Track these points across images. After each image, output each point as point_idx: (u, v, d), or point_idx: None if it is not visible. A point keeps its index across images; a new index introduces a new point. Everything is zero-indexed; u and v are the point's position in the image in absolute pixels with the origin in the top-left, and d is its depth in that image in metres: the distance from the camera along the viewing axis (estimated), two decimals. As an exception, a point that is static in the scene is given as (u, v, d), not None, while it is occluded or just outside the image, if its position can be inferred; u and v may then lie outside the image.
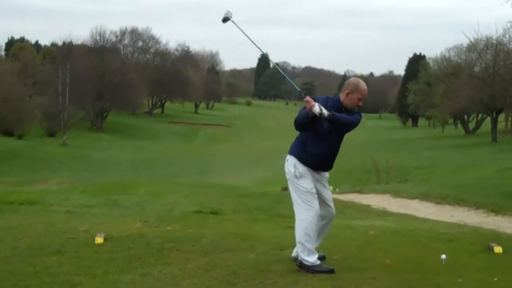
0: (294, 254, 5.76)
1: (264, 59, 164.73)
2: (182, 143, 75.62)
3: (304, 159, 5.63)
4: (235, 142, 79.11)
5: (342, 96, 5.66)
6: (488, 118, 64.30)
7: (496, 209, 12.15)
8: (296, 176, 5.63)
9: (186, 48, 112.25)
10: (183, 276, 5.29)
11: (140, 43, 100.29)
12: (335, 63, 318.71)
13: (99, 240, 6.54)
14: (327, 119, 5.38)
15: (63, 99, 67.17)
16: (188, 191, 17.07)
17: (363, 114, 5.83)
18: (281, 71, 6.88)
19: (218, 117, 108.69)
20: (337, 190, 18.46)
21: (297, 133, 5.81)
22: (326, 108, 5.36)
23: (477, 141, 58.57)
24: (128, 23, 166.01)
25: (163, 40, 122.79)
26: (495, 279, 5.38)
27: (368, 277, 5.35)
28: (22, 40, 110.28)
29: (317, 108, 5.31)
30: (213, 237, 6.93)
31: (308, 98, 5.39)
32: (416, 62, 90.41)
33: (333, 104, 5.57)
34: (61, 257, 5.94)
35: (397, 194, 15.79)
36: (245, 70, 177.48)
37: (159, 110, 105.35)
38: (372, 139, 69.50)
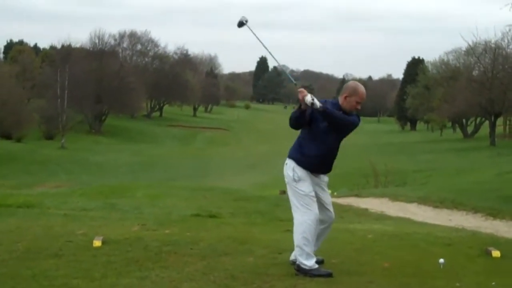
0: (292, 257, 5.75)
1: (262, 62, 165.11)
2: (180, 147, 75.57)
3: (302, 161, 5.63)
4: (233, 145, 79.09)
5: (340, 100, 5.66)
6: (487, 122, 64.34)
7: (494, 213, 12.13)
8: (294, 180, 5.62)
9: (184, 52, 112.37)
10: (181, 280, 5.28)
11: (138, 47, 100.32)
12: (333, 66, 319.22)
13: (97, 243, 6.53)
14: (320, 112, 5.38)
15: (62, 102, 67.11)
16: (186, 194, 17.03)
17: (361, 118, 5.83)
18: (288, 74, 6.82)
19: (217, 120, 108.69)
20: (335, 193, 18.43)
21: (296, 136, 5.81)
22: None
23: (476, 145, 58.61)
24: (127, 27, 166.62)
25: (162, 44, 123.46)
26: (493, 283, 5.38)
27: (366, 281, 5.35)
28: (21, 43, 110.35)
29: (309, 97, 5.32)
30: (211, 241, 6.93)
31: (302, 88, 5.39)
32: (415, 66, 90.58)
33: (332, 108, 5.57)
34: (59, 260, 5.93)
35: (395, 197, 15.78)
36: (244, 74, 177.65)
37: (158, 113, 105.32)
38: (371, 142, 69.52)
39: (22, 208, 10.51)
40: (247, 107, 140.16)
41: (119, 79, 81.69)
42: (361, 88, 5.68)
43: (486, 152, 49.50)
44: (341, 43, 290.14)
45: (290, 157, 5.73)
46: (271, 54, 5.91)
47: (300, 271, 5.48)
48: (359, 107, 5.66)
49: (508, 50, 60.01)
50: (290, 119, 5.58)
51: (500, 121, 65.25)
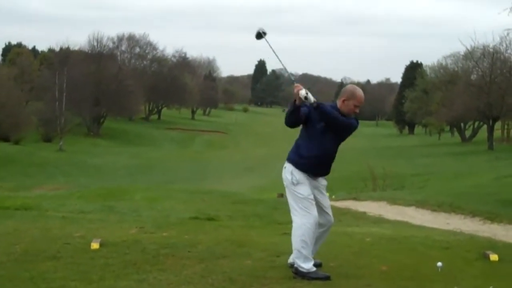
0: (290, 260, 5.75)
1: (261, 65, 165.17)
2: (178, 149, 75.58)
3: (299, 163, 5.63)
4: (231, 148, 79.11)
5: (339, 103, 5.66)
6: (485, 126, 64.45)
7: (492, 217, 12.16)
8: (293, 183, 5.62)
9: (183, 55, 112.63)
10: (179, 283, 5.28)
11: (137, 49, 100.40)
12: (332, 70, 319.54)
13: (95, 245, 6.53)
14: (313, 106, 5.39)
15: (60, 105, 67.13)
16: (184, 197, 17.06)
17: (360, 121, 5.83)
18: (290, 73, 6.80)
19: (215, 123, 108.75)
20: (333, 197, 18.43)
21: (294, 139, 5.82)
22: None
23: (474, 149, 58.67)
24: (125, 29, 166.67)
25: (160, 46, 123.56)
26: (491, 287, 5.37)
27: (364, 284, 5.35)
28: (19, 45, 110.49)
29: (303, 91, 5.34)
30: (209, 244, 6.92)
31: (298, 84, 5.42)
32: (413, 70, 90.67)
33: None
34: (56, 263, 5.92)
35: (393, 201, 15.79)
36: (242, 77, 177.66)
37: (156, 116, 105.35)
38: (369, 146, 69.59)
39: (20, 211, 10.51)
40: (245, 110, 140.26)
41: (117, 82, 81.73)
42: (359, 92, 5.68)
43: (484, 156, 49.58)
44: (340, 47, 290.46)
45: (289, 160, 5.73)
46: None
47: (298, 274, 5.48)
48: (357, 110, 5.66)
49: (506, 54, 60.20)
50: (286, 116, 5.61)
51: (498, 125, 65.34)
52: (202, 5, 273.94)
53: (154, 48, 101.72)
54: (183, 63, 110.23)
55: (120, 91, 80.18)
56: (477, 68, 63.06)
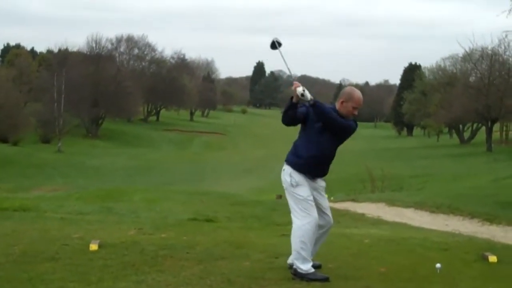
0: (289, 261, 5.75)
1: (259, 67, 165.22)
2: (177, 151, 75.56)
3: (298, 164, 5.63)
4: (230, 150, 79.11)
5: (337, 105, 5.68)
6: (483, 128, 64.48)
7: (491, 219, 12.17)
8: (292, 185, 5.62)
9: (181, 56, 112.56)
10: (177, 284, 5.27)
11: (135, 51, 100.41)
12: (330, 72, 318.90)
13: (93, 247, 6.52)
14: (310, 104, 5.40)
15: (58, 106, 67.11)
16: (183, 198, 17.06)
17: (358, 123, 5.83)
18: (290, 72, 6.80)
19: (213, 125, 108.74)
20: (332, 198, 18.43)
21: (293, 141, 5.82)
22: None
23: (472, 150, 58.70)
24: (124, 31, 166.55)
25: (159, 48, 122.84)
26: (490, 288, 5.39)
27: (362, 285, 5.35)
28: (18, 46, 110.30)
29: (300, 89, 5.35)
30: (208, 245, 6.92)
31: (296, 81, 5.44)
32: (412, 72, 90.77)
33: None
34: (55, 264, 5.91)
35: (391, 202, 15.79)
36: (241, 78, 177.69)
37: (154, 117, 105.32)
38: (367, 148, 69.59)
39: (19, 212, 10.48)
40: (244, 111, 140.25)
41: (116, 83, 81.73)
42: (358, 94, 5.69)
43: (483, 158, 49.61)
44: (339, 49, 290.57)
45: (287, 162, 5.74)
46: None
47: (297, 275, 5.48)
48: (356, 112, 5.66)
49: (505, 56, 60.26)
50: (282, 114, 5.62)
51: (496, 127, 65.39)
52: (201, 6, 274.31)
53: (153, 49, 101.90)
54: (182, 65, 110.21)
55: (119, 93, 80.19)
56: (475, 70, 63.14)
